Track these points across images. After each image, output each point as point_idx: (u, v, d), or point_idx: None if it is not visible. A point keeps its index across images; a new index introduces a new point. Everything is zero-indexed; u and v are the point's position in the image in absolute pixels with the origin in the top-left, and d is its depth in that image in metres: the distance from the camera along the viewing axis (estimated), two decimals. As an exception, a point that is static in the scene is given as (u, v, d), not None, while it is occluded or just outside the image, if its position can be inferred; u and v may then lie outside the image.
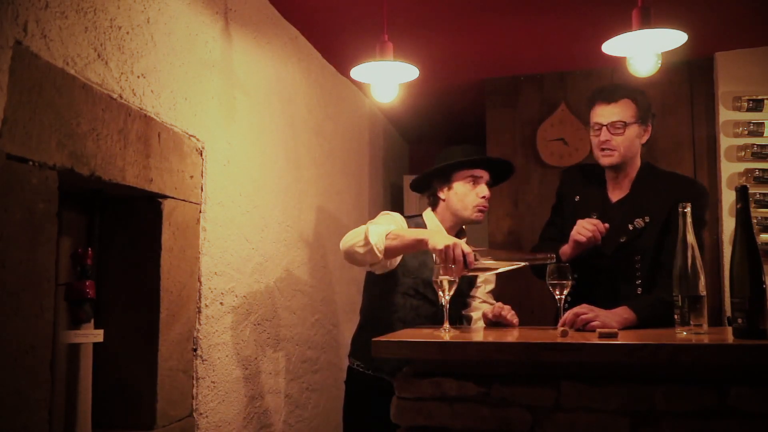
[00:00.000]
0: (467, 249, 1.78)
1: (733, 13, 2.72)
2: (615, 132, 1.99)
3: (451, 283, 1.82)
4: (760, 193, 3.00)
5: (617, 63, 2.54)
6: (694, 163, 3.28)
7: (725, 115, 3.13)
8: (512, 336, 1.71)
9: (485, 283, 2.28)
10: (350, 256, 2.03)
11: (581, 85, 3.38)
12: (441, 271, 1.80)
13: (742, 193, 1.52)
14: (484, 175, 2.18)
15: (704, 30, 2.79)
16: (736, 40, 3.05)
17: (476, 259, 1.80)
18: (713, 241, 3.18)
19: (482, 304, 2.24)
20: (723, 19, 2.77)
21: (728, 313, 2.84)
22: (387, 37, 2.11)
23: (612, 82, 2.11)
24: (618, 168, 2.05)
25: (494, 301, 2.22)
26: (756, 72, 3.10)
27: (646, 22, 1.85)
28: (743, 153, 3.07)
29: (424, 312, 2.16)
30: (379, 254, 1.95)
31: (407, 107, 3.84)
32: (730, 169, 3.11)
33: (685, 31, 1.85)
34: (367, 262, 2.04)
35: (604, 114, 2.01)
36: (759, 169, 3.02)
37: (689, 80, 3.31)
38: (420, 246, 1.91)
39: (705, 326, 1.57)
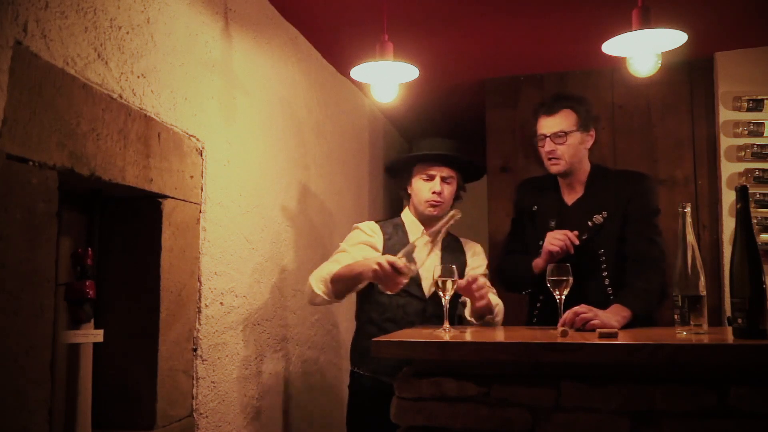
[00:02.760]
0: (391, 259, 1.84)
1: (733, 13, 2.72)
2: (558, 142, 2.11)
3: (451, 283, 1.83)
4: (760, 193, 2.99)
5: (617, 63, 2.54)
6: (694, 163, 3.28)
7: (725, 115, 3.13)
8: (512, 336, 1.71)
9: (472, 271, 2.24)
10: (314, 305, 2.21)
11: (581, 85, 3.38)
12: (387, 291, 1.91)
13: (742, 193, 1.53)
14: (441, 171, 2.21)
15: (704, 30, 2.79)
16: (736, 40, 3.05)
17: (409, 261, 1.86)
18: (713, 241, 3.18)
19: None
20: (723, 19, 2.77)
21: (728, 313, 2.84)
22: (387, 37, 2.11)
23: (552, 93, 2.22)
24: (567, 174, 2.17)
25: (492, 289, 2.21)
26: (756, 72, 3.10)
27: (646, 22, 1.85)
28: (743, 153, 3.07)
29: (412, 309, 2.18)
30: (329, 298, 2.08)
31: (407, 107, 3.83)
32: (730, 169, 3.10)
33: (685, 31, 1.85)
34: (329, 304, 2.20)
35: (547, 125, 2.14)
36: (759, 169, 3.02)
37: (689, 80, 3.31)
38: (359, 279, 2.00)
39: (705, 326, 1.57)
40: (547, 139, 2.12)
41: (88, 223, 1.69)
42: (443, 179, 2.21)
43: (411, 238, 2.24)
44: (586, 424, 1.41)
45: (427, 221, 2.25)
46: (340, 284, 2.05)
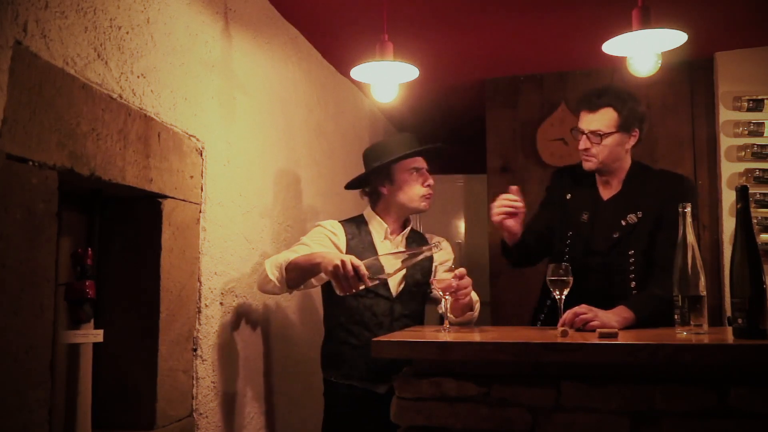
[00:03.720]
0: (357, 262, 1.77)
1: (733, 13, 2.72)
2: (594, 140, 2.03)
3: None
4: (760, 193, 3.00)
5: (617, 63, 2.54)
6: (694, 163, 3.28)
7: (725, 115, 3.13)
8: (512, 336, 1.71)
9: (441, 267, 2.06)
10: (263, 291, 2.10)
11: (581, 85, 3.38)
12: (337, 290, 1.81)
13: (742, 193, 1.52)
14: (424, 163, 2.20)
15: (704, 30, 2.79)
16: (736, 40, 3.05)
17: (371, 274, 1.80)
18: (713, 241, 3.18)
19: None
20: (723, 19, 2.77)
21: (728, 313, 2.84)
22: (387, 37, 2.10)
23: (600, 86, 2.12)
24: (601, 172, 2.10)
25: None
26: (756, 72, 3.10)
27: (646, 22, 1.85)
28: (743, 153, 3.07)
29: (380, 310, 2.13)
30: (280, 285, 2.00)
31: (407, 107, 3.84)
32: (730, 169, 3.11)
33: (685, 31, 1.85)
34: (278, 294, 2.10)
35: (586, 121, 2.06)
36: (759, 169, 3.02)
37: (689, 80, 3.31)
38: (315, 270, 1.91)
39: (705, 326, 1.57)
40: (584, 135, 2.04)
41: (88, 223, 1.69)
42: (427, 171, 2.21)
43: (375, 238, 2.20)
44: (586, 424, 1.41)
45: (399, 220, 2.23)
46: (295, 272, 1.97)
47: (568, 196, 2.16)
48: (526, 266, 2.29)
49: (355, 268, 1.76)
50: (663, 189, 2.01)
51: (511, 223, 1.98)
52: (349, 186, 2.33)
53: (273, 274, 1.99)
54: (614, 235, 2.02)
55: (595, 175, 2.14)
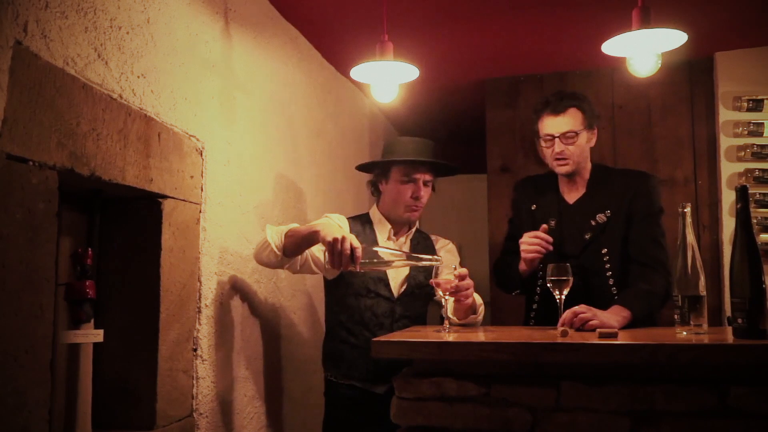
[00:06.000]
0: (356, 244, 1.75)
1: (733, 13, 2.72)
2: (567, 142, 2.06)
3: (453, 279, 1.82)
4: (760, 193, 3.00)
5: (617, 63, 2.54)
6: (694, 163, 3.28)
7: (725, 115, 3.13)
8: (512, 336, 1.71)
9: (446, 268, 2.07)
10: (259, 260, 2.06)
11: (581, 85, 3.38)
12: (327, 265, 1.80)
13: (742, 193, 1.53)
14: (423, 175, 2.15)
15: (704, 30, 2.79)
16: (736, 40, 3.05)
17: (368, 262, 1.79)
18: (713, 241, 3.18)
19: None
20: (723, 19, 2.77)
21: (728, 313, 2.84)
22: (387, 37, 2.10)
23: (558, 91, 2.17)
24: (573, 174, 2.13)
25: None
26: (756, 72, 3.10)
27: (646, 22, 1.85)
28: (743, 153, 3.07)
29: (381, 310, 2.12)
30: (277, 252, 1.96)
31: (407, 107, 3.84)
32: (730, 169, 3.11)
33: (685, 31, 1.85)
34: (273, 264, 2.04)
35: (554, 125, 2.08)
36: (759, 169, 3.02)
37: (689, 80, 3.31)
38: (313, 237, 1.88)
39: (705, 326, 1.57)
40: (556, 139, 2.06)
41: (88, 223, 1.69)
42: (424, 183, 2.15)
43: (379, 238, 2.20)
44: (586, 424, 1.41)
45: (397, 222, 2.22)
46: (293, 238, 1.94)
47: (534, 207, 2.19)
48: (507, 292, 2.29)
49: (353, 249, 1.74)
50: (628, 186, 2.06)
51: (537, 260, 2.00)
52: (359, 168, 2.35)
53: (272, 239, 1.97)
54: (585, 237, 2.05)
55: (558, 181, 2.18)
